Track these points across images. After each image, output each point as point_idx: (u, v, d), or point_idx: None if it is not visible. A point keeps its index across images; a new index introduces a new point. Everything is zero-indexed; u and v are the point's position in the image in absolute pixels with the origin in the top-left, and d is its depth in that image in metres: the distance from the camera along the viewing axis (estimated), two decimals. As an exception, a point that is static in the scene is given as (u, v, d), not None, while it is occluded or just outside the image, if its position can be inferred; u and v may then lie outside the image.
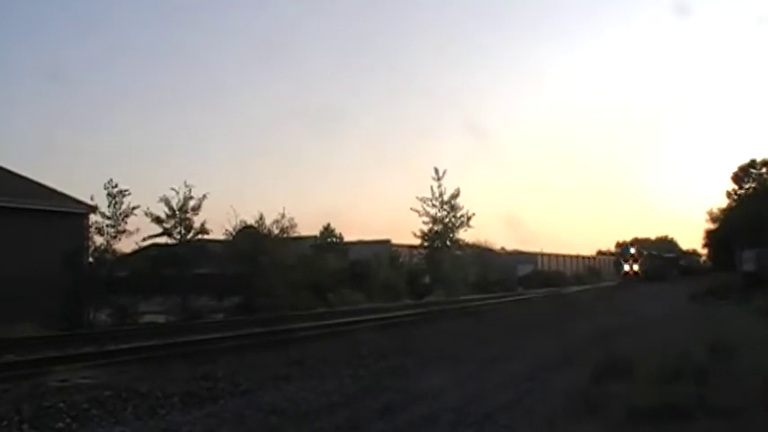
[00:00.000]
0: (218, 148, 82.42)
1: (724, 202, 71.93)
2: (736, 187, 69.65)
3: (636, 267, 73.10)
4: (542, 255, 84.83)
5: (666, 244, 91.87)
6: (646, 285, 58.28)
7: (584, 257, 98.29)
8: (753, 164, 69.06)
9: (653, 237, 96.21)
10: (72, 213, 27.65)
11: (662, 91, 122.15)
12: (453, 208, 48.90)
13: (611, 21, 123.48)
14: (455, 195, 48.67)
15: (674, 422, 7.69)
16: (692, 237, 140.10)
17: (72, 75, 77.97)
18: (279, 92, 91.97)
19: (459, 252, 51.76)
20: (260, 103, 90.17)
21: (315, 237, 49.02)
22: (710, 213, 78.36)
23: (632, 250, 76.91)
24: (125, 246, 30.14)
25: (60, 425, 8.58)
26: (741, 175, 69.07)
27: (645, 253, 78.09)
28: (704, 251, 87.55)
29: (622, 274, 73.98)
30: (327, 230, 50.93)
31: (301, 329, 22.17)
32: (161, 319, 28.28)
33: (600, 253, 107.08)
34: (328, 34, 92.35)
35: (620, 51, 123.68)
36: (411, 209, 48.86)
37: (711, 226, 77.62)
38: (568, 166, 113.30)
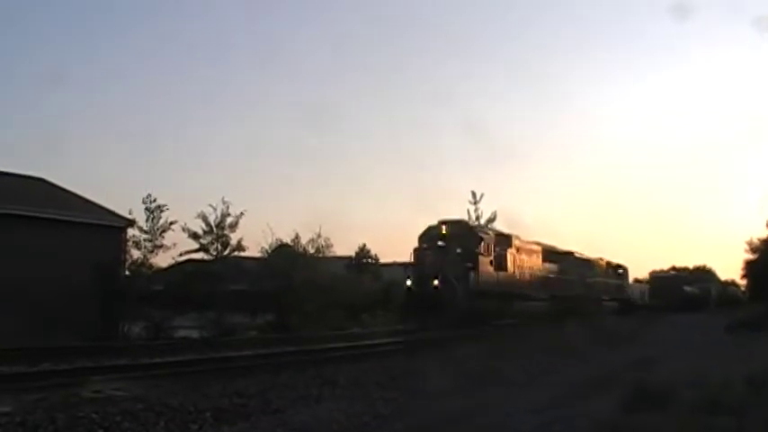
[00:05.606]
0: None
1: (765, 233, 70.53)
2: (776, 217, 68.24)
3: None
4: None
5: (704, 274, 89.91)
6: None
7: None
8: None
9: (690, 266, 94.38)
10: (110, 227, 27.96)
11: (702, 117, 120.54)
12: (490, 231, 48.66)
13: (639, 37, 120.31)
14: (491, 219, 48.50)
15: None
16: (731, 267, 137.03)
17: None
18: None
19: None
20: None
21: (350, 257, 49.10)
22: (750, 243, 76.73)
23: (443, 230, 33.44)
24: (161, 260, 30.40)
25: (93, 436, 8.66)
26: (782, 205, 67.77)
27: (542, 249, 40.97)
28: (743, 282, 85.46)
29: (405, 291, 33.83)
30: (363, 251, 51.01)
31: (334, 349, 22.19)
32: (195, 334, 28.42)
33: (636, 281, 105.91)
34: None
35: (657, 77, 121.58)
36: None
37: (751, 256, 76.01)
38: (607, 192, 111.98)
